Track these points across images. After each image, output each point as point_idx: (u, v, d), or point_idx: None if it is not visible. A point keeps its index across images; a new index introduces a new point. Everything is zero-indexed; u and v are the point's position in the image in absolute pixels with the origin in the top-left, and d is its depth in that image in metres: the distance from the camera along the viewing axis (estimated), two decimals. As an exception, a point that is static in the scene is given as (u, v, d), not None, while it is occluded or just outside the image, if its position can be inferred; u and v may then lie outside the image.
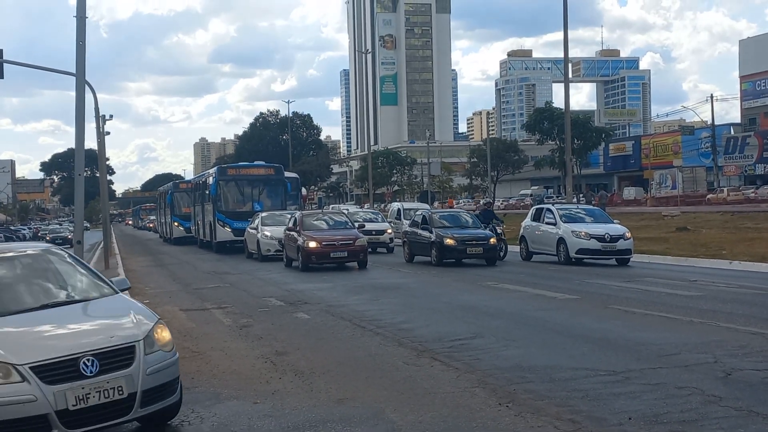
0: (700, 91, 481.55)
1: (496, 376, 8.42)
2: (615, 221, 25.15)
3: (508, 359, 9.35)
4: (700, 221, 40.81)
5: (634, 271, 21.29)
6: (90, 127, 33.53)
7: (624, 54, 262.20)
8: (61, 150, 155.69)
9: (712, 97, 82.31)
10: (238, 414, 7.37)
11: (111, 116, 45.13)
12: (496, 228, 25.78)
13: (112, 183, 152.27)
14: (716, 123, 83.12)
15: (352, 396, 7.86)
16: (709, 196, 66.46)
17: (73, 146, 13.12)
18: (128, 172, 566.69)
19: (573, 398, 7.42)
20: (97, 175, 52.24)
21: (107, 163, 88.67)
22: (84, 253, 20.48)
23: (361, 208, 56.01)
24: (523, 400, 7.43)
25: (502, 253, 25.32)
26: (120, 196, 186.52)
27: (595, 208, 29.39)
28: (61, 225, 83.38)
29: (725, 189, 70.32)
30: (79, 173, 12.87)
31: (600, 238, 22.85)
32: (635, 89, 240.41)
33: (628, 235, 23.38)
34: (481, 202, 35.39)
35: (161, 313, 14.87)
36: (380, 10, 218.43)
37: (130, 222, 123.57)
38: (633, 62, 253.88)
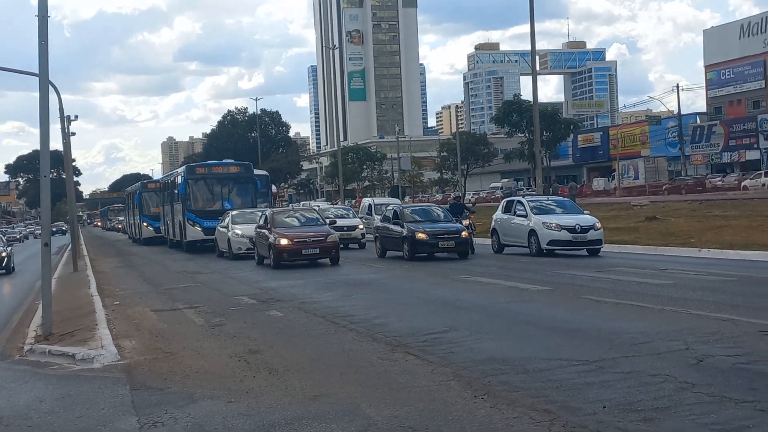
0: (667, 81, 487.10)
1: (471, 369, 8.42)
2: (585, 212, 25.30)
3: (482, 352, 9.36)
4: (669, 210, 41.12)
5: (604, 261, 21.43)
6: (55, 128, 33.32)
7: (590, 46, 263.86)
8: (26, 152, 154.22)
9: (678, 87, 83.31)
10: (213, 414, 7.30)
11: (76, 117, 44.43)
12: (462, 221, 25.65)
13: (79, 184, 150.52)
14: (683, 112, 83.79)
15: (327, 392, 7.82)
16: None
17: (38, 148, 12.92)
18: (95, 173, 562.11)
19: (547, 389, 7.44)
20: (64, 176, 51.72)
21: (74, 164, 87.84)
22: (52, 255, 20.25)
23: (333, 204, 55.92)
24: (498, 391, 7.44)
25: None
26: (87, 197, 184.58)
27: (566, 199, 29.53)
28: (14, 228, 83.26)
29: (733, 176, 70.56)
30: (44, 175, 12.67)
31: (571, 229, 22.97)
32: (602, 80, 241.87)
33: (599, 225, 23.52)
34: (451, 196, 35.53)
35: (132, 314, 14.80)
36: (347, 6, 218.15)
37: (98, 223, 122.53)
38: (599, 54, 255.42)
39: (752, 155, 74.97)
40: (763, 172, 64.42)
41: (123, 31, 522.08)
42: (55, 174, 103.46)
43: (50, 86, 13.65)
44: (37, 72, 13.07)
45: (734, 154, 77.54)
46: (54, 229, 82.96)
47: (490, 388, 7.56)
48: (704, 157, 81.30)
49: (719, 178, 67.82)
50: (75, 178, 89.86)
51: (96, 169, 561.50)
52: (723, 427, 6.09)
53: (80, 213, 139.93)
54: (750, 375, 7.62)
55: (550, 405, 6.88)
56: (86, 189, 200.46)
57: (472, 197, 72.47)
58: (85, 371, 9.90)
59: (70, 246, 34.95)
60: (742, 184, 61.58)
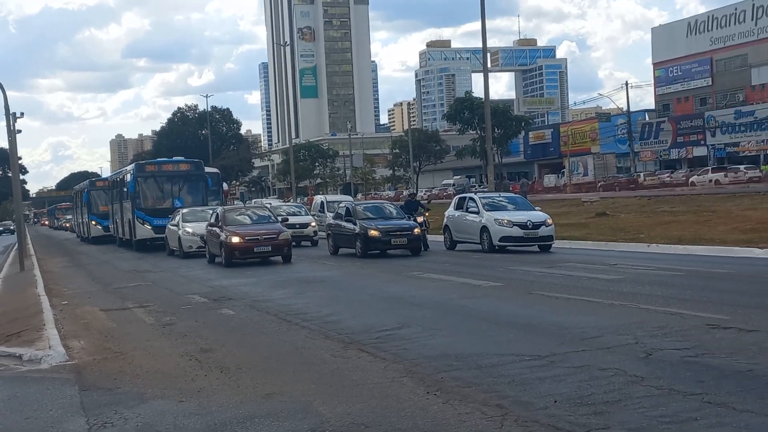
0: (616, 78, 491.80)
1: (424, 365, 8.44)
2: (536, 208, 25.51)
3: (434, 348, 9.38)
4: (619, 206, 41.64)
5: (556, 256, 21.63)
6: (0, 126, 32.64)
7: (541, 43, 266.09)
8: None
9: (627, 84, 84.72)
10: (163, 413, 7.22)
11: (22, 114, 43.76)
12: (416, 218, 25.65)
13: (26, 183, 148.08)
14: (631, 109, 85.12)
15: (280, 390, 7.78)
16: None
17: (-16, 145, 12.71)
18: (42, 171, 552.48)
19: (499, 384, 7.48)
20: (10, 174, 50.81)
21: (20, 162, 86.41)
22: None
23: (285, 202, 55.69)
24: (451, 387, 7.45)
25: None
26: (34, 196, 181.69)
27: (517, 195, 29.74)
28: None
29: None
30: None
31: (522, 226, 23.14)
32: (553, 78, 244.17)
33: (550, 221, 23.74)
34: (405, 193, 35.52)
35: (81, 313, 14.60)
36: (298, 2, 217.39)
37: (46, 222, 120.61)
38: (550, 51, 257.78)
39: (699, 152, 76.17)
40: (710, 168, 65.53)
41: (69, 27, 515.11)
42: (0, 172, 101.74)
43: (-5, 82, 13.42)
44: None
45: (682, 150, 78.72)
46: (1, 228, 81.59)
47: (443, 384, 7.58)
48: (653, 154, 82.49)
49: (668, 174, 68.80)
50: (21, 177, 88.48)
51: (43, 168, 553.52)
52: (671, 419, 6.16)
53: (27, 212, 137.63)
54: (698, 368, 7.73)
55: (502, 400, 6.92)
56: (33, 187, 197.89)
57: (425, 194, 72.73)
58: (32, 372, 9.73)
59: (16, 245, 34.37)
60: (690, 180, 62.57)
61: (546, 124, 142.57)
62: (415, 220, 25.20)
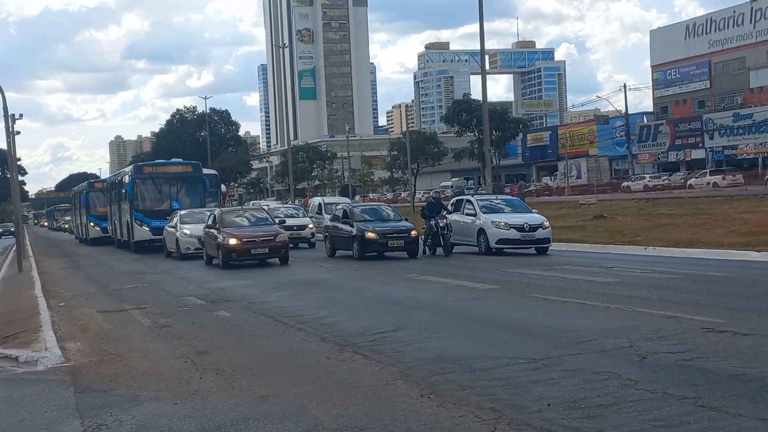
0: (614, 80, 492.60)
1: (418, 368, 8.45)
2: (533, 211, 25.52)
3: (429, 351, 9.39)
4: (616, 209, 41.70)
5: (552, 259, 21.64)
6: (-1, 127, 32.75)
7: (539, 45, 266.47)
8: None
9: (625, 86, 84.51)
10: (158, 416, 7.24)
11: (21, 115, 43.97)
12: (439, 221, 24.15)
13: (25, 184, 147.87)
14: (630, 112, 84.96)
15: (275, 393, 7.79)
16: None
17: (-19, 147, 12.75)
18: (41, 173, 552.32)
19: (494, 387, 7.49)
20: (8, 175, 50.83)
21: (19, 163, 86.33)
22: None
23: (284, 203, 55.68)
24: (445, 390, 7.47)
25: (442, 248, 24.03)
26: (33, 197, 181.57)
27: (514, 198, 29.76)
28: None
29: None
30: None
31: (519, 228, 23.16)
32: (551, 80, 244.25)
33: (547, 224, 23.75)
34: (431, 193, 35.09)
35: (78, 315, 14.61)
36: (297, 4, 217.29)
37: (45, 223, 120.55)
38: (548, 53, 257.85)
39: (698, 154, 76.24)
40: (708, 171, 65.58)
41: (69, 29, 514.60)
42: (0, 174, 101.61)
43: (-8, 84, 13.44)
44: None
45: (680, 153, 78.80)
46: (1, 230, 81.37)
47: (437, 387, 7.60)
48: (651, 156, 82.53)
49: (665, 178, 68.81)
50: (20, 178, 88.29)
51: (42, 169, 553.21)
52: (665, 423, 6.18)
53: (26, 213, 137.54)
54: (692, 372, 7.75)
55: (495, 403, 6.94)
56: (32, 188, 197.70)
57: (422, 196, 72.67)
58: (28, 374, 9.75)
59: (15, 247, 34.36)
60: (688, 182, 62.63)
61: (544, 126, 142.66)
62: (437, 223, 24.03)
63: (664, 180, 67.35)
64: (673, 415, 6.37)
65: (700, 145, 76.25)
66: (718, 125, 75.07)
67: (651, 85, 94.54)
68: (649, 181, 67.23)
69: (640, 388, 7.19)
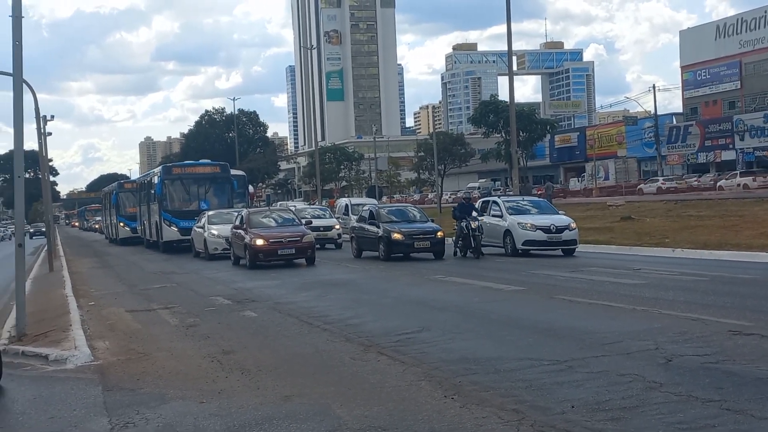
0: (643, 81, 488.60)
1: (442, 369, 8.48)
2: (560, 212, 25.44)
3: (454, 352, 9.42)
4: (644, 210, 41.39)
5: (579, 261, 21.57)
6: (31, 128, 33.04)
7: (568, 46, 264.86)
8: (2, 152, 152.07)
9: (654, 87, 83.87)
10: (184, 414, 7.32)
11: (52, 117, 44.53)
12: (470, 223, 23.65)
13: (56, 184, 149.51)
14: (659, 113, 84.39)
15: (299, 393, 7.85)
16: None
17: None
18: (73, 173, 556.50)
19: (517, 388, 7.51)
20: (40, 176, 51.39)
21: (50, 164, 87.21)
22: (27, 256, 20.13)
23: (311, 204, 55.85)
24: (468, 391, 7.49)
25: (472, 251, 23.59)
26: (65, 197, 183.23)
27: (541, 199, 29.68)
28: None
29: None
30: (18, 175, 12.62)
31: (546, 230, 23.10)
32: (579, 81, 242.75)
33: (573, 225, 23.67)
34: (461, 194, 35.00)
35: (107, 314, 14.76)
36: (325, 6, 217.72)
37: (76, 224, 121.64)
38: (577, 54, 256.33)
39: (728, 155, 75.55)
40: (738, 172, 64.98)
41: (100, 31, 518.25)
42: (32, 174, 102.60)
43: (25, 86, 13.64)
44: (11, 72, 13.05)
45: (710, 154, 78.12)
46: (32, 230, 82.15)
47: (461, 388, 7.62)
48: (680, 158, 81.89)
49: (695, 178, 68.24)
50: (52, 178, 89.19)
51: (73, 169, 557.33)
52: (689, 426, 6.17)
53: (57, 213, 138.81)
54: (717, 374, 7.72)
55: (519, 405, 6.95)
56: (64, 189, 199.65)
57: (449, 197, 72.65)
58: (58, 372, 9.87)
59: (46, 246, 34.73)
60: (718, 184, 62.08)
61: (572, 127, 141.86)
62: (469, 224, 23.58)
63: (676, 182, 66.54)
64: (697, 418, 6.35)
65: (731, 146, 75.55)
66: (748, 126, 74.36)
67: (680, 85, 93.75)
68: (662, 183, 66.65)
69: (665, 391, 7.17)
